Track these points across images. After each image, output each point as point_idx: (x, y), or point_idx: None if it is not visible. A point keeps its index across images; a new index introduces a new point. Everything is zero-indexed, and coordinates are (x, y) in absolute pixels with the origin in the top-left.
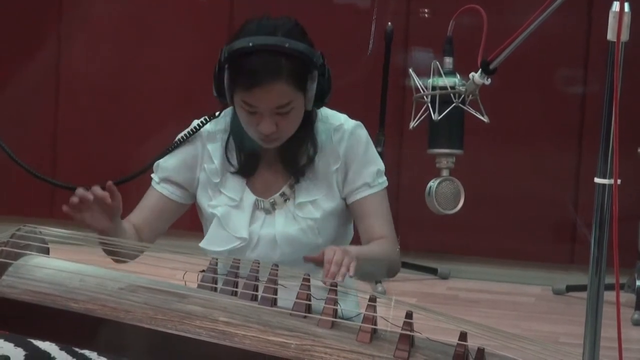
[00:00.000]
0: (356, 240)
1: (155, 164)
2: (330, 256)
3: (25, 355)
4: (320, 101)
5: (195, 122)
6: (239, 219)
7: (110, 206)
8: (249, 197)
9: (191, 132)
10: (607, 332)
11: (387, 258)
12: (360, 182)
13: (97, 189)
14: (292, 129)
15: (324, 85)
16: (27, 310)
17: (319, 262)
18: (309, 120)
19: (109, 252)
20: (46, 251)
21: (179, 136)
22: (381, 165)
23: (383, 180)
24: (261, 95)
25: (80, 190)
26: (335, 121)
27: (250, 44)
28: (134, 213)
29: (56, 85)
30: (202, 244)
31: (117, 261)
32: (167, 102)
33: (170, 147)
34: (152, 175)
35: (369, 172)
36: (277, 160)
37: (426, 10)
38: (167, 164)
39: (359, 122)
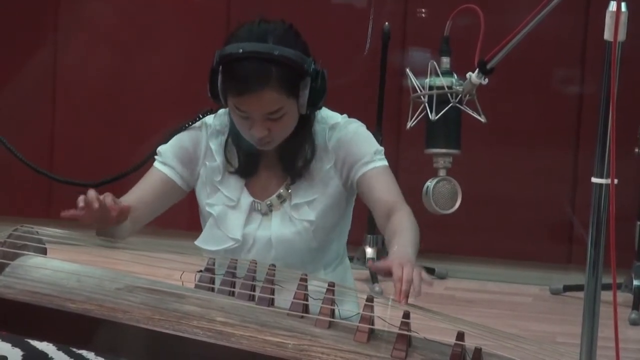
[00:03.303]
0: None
1: (158, 150)
2: (400, 274)
3: (23, 356)
4: (314, 105)
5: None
6: (235, 220)
7: (112, 218)
8: (247, 199)
9: (194, 120)
10: (604, 332)
11: (418, 233)
12: (360, 162)
13: (108, 200)
14: (285, 134)
15: (317, 89)
16: (25, 310)
17: (385, 273)
18: (307, 123)
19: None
20: (43, 251)
21: (183, 124)
22: (379, 147)
23: (382, 158)
24: (251, 102)
25: (90, 194)
26: (331, 121)
27: (240, 51)
28: (131, 192)
29: (53, 85)
30: (197, 242)
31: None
32: (164, 103)
33: (173, 133)
34: (156, 157)
35: (367, 152)
36: (276, 161)
37: (423, 10)
38: (170, 153)
39: (353, 119)
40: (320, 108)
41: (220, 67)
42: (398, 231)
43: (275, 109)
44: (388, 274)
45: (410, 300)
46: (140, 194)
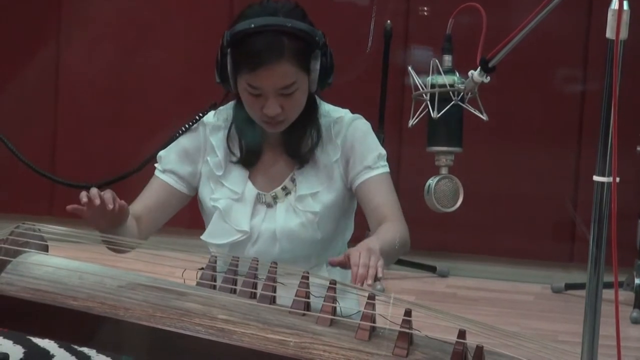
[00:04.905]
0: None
1: (158, 155)
2: (357, 258)
3: (24, 353)
4: (323, 82)
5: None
6: (241, 212)
7: (112, 213)
8: (251, 191)
9: (193, 122)
10: (606, 331)
11: (402, 241)
12: (362, 166)
13: (107, 195)
14: (297, 111)
15: (327, 65)
16: (26, 307)
17: (344, 266)
18: (312, 106)
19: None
20: (45, 249)
21: (182, 127)
22: (382, 151)
23: (385, 164)
24: (266, 76)
25: (93, 191)
26: (335, 115)
27: (252, 26)
28: (136, 202)
29: (55, 83)
30: (203, 237)
31: (112, 249)
32: (167, 100)
33: (172, 137)
34: (156, 165)
35: (370, 157)
36: (280, 149)
37: (425, 8)
38: (170, 157)
39: (358, 115)
40: (329, 86)
41: (231, 46)
42: (378, 231)
43: (289, 83)
44: (346, 266)
45: (368, 283)
46: (145, 203)
